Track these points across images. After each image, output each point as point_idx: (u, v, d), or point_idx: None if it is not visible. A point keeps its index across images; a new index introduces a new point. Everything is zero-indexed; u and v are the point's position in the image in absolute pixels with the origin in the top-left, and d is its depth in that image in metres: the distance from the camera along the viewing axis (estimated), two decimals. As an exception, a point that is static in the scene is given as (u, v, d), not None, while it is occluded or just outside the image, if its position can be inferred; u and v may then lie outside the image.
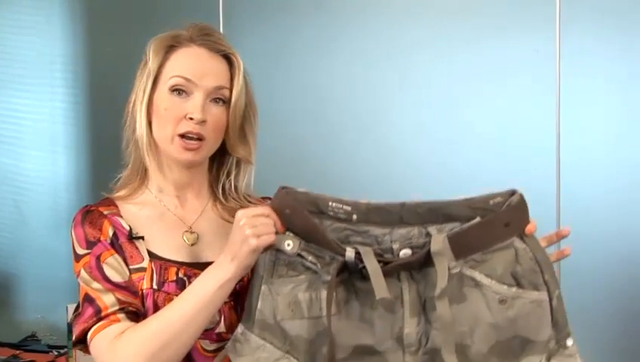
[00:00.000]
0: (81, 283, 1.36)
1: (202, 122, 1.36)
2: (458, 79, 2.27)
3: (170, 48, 1.40)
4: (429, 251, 1.23)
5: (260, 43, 2.48)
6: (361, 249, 1.24)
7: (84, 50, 2.81)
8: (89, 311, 1.33)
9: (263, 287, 1.28)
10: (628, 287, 2.14)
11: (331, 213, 1.28)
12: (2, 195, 2.93)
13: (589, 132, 2.17)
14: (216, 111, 1.39)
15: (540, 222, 1.32)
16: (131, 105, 1.43)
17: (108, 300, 1.33)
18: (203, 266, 1.35)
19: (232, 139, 1.43)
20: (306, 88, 2.45)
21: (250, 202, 1.50)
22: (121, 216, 1.40)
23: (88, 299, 1.34)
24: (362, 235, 1.28)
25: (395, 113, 2.36)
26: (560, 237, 1.35)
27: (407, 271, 1.26)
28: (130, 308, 1.33)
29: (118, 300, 1.33)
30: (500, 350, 1.24)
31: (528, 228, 1.27)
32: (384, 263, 1.24)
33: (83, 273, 1.36)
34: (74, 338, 1.36)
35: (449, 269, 1.22)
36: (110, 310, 1.32)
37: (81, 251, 1.37)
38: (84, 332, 1.33)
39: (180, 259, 1.39)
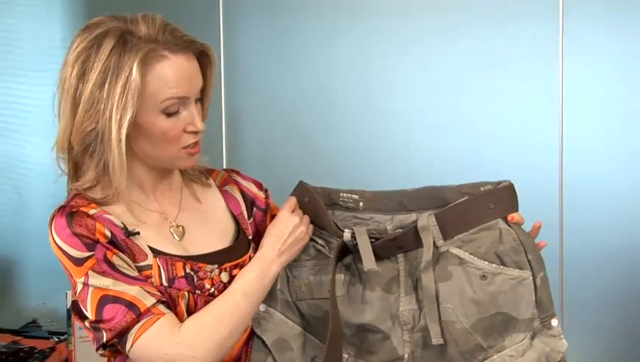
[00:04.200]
0: (94, 286, 1.26)
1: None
2: (459, 67, 2.25)
3: (144, 64, 1.26)
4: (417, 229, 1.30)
5: (259, 37, 2.47)
6: (356, 229, 1.32)
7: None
8: (121, 310, 1.25)
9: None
10: (630, 278, 2.13)
11: (342, 203, 1.39)
12: (3, 182, 2.91)
13: (592, 120, 2.14)
14: (200, 108, 1.37)
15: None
16: (100, 114, 1.26)
17: (139, 294, 1.26)
18: (204, 258, 1.38)
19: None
20: (306, 81, 2.43)
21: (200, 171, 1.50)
22: (110, 214, 1.32)
23: (111, 300, 1.25)
24: (367, 222, 1.37)
25: (396, 104, 2.33)
26: (537, 229, 1.37)
27: (403, 252, 1.33)
28: (164, 299, 1.29)
29: (149, 293, 1.27)
30: (484, 326, 1.28)
31: (513, 217, 1.31)
32: (376, 240, 1.32)
33: (94, 275, 1.26)
34: (104, 340, 1.26)
35: (437, 247, 1.30)
36: (148, 303, 1.26)
37: (80, 255, 1.27)
38: (122, 333, 1.26)
39: (178, 253, 1.36)
